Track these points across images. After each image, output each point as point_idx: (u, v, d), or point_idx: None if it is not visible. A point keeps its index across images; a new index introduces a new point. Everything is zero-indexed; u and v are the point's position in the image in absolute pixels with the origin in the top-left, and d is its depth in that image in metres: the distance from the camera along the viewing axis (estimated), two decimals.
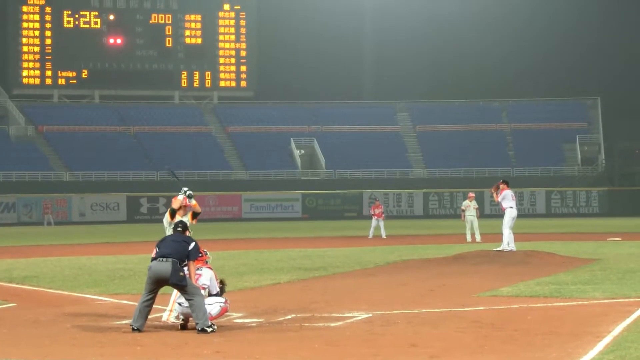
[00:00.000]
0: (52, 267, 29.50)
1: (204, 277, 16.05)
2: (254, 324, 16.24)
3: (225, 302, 15.94)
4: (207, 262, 16.38)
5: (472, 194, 43.11)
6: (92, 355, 12.96)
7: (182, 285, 15.36)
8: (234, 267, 27.99)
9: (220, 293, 16.24)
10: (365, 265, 28.97)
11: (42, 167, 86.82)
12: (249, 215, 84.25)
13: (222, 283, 16.43)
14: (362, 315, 17.09)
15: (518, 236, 32.93)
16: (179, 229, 16.15)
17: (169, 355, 13.01)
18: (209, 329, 15.16)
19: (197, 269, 16.07)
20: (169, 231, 16.72)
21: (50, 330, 15.83)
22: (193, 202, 17.35)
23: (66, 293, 21.72)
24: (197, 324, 15.28)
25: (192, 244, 15.67)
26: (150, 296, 15.50)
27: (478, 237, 40.92)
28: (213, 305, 15.73)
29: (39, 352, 13.33)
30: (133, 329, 15.24)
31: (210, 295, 15.95)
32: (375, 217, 47.32)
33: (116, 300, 20.04)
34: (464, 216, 41.99)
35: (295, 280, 24.12)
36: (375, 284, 23.27)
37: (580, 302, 18.59)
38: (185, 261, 15.56)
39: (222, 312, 15.87)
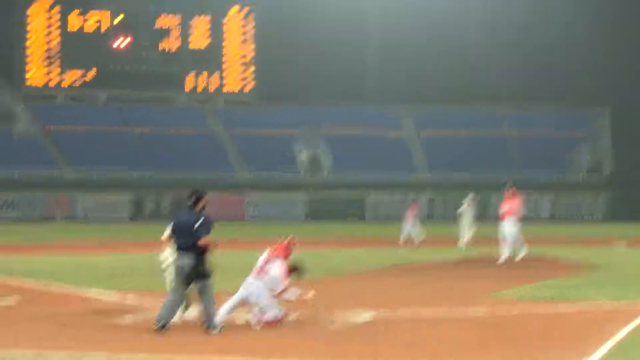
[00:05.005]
0: (54, 263, 29.45)
1: (271, 273, 15.91)
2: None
3: (284, 315, 15.78)
4: (288, 256, 16.17)
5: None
6: (93, 351, 12.90)
7: (204, 276, 15.31)
8: (236, 267, 27.86)
9: (301, 275, 16.07)
10: (368, 267, 28.89)
11: (47, 166, 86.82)
12: (251, 216, 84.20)
13: (295, 268, 16.24)
14: (365, 315, 17.02)
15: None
16: (190, 201, 15.73)
17: (171, 352, 12.96)
18: (214, 330, 15.10)
19: (271, 261, 15.94)
20: (165, 263, 16.45)
21: (50, 326, 15.78)
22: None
23: (69, 289, 21.67)
24: (204, 322, 15.25)
25: (198, 223, 15.39)
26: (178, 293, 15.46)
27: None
28: (272, 311, 15.67)
29: (40, 346, 13.27)
30: (158, 323, 15.09)
31: (278, 292, 15.85)
32: (408, 220, 44.66)
33: (119, 297, 19.98)
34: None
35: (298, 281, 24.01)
36: (378, 286, 23.20)
37: (584, 306, 18.50)
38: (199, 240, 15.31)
39: (273, 323, 15.73)
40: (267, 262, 15.99)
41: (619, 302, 18.92)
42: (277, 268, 15.95)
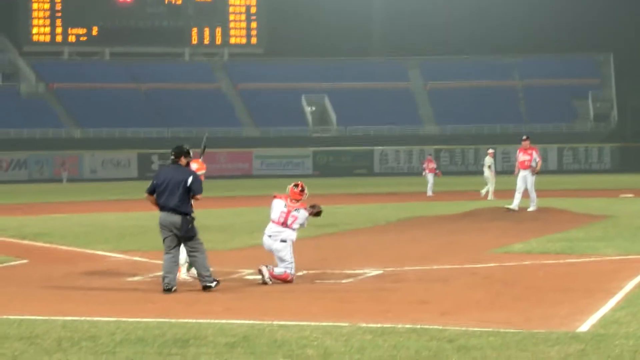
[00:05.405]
0: (64, 224, 29.56)
1: (299, 220, 16.02)
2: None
3: (292, 275, 15.84)
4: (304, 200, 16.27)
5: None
6: (104, 312, 12.97)
7: (190, 237, 15.24)
8: (244, 224, 28.00)
9: (318, 214, 16.33)
10: (376, 222, 28.96)
11: (53, 124, 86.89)
12: (259, 172, 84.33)
13: (313, 208, 16.33)
14: (373, 272, 17.08)
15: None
16: (173, 157, 15.38)
17: (180, 312, 13.02)
18: (213, 284, 15.05)
19: (296, 210, 15.99)
20: None
21: (61, 287, 15.85)
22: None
23: (78, 250, 21.75)
24: (200, 281, 15.19)
25: (191, 178, 15.12)
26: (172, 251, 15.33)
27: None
28: (284, 266, 15.75)
29: (50, 309, 13.35)
30: (165, 286, 15.02)
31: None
32: (429, 172, 46.48)
33: (128, 257, 20.06)
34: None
35: (306, 237, 24.07)
36: (386, 241, 23.27)
37: (592, 259, 18.55)
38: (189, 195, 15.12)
39: (284, 277, 15.77)
40: (289, 213, 15.97)
41: (627, 255, 18.97)
42: (303, 214, 16.02)
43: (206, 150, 17.16)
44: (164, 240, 15.29)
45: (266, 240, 16.02)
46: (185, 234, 15.12)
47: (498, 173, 43.66)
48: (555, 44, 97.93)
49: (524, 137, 31.72)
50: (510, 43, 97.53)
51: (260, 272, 15.80)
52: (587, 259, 18.51)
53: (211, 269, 15.36)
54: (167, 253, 15.22)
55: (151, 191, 15.34)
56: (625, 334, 10.96)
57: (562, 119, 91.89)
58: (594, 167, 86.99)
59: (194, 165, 16.29)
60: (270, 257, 16.60)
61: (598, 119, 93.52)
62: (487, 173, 41.27)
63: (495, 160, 43.25)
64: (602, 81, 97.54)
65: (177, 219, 15.05)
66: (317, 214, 16.45)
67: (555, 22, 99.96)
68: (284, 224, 15.92)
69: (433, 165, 47.17)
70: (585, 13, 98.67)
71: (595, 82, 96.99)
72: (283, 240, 15.86)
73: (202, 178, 16.28)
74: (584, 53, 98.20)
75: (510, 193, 32.16)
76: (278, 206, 16.06)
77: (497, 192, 40.11)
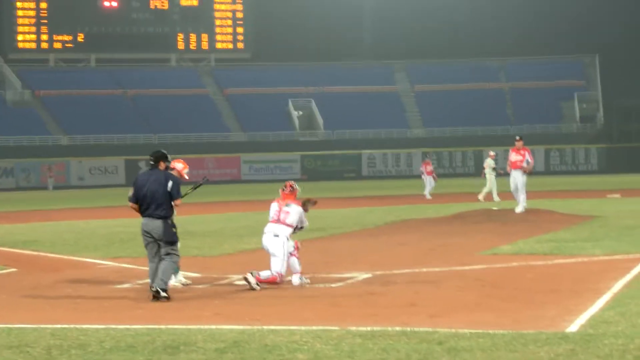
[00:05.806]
0: (52, 231, 29.49)
1: (292, 215, 16.10)
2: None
3: (280, 275, 15.87)
4: (296, 197, 16.38)
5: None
6: (94, 319, 12.96)
7: (171, 242, 15.13)
8: (233, 230, 28.00)
9: (313, 204, 16.53)
10: (364, 225, 28.98)
11: (39, 132, 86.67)
12: (247, 177, 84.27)
13: (305, 205, 16.41)
14: (362, 276, 17.10)
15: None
16: (152, 162, 15.29)
17: (170, 318, 13.01)
18: (164, 293, 14.74)
19: (286, 205, 16.07)
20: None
21: (50, 295, 15.82)
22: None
23: (66, 257, 21.70)
24: (156, 284, 14.79)
25: (170, 183, 15.04)
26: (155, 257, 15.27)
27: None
28: (274, 268, 15.81)
29: (40, 317, 13.33)
30: (153, 292, 14.93)
31: (296, 228, 16.15)
32: (427, 174, 46.00)
33: (116, 264, 20.03)
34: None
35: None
36: (375, 245, 23.27)
37: (579, 259, 18.60)
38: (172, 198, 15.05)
39: (271, 280, 15.80)
40: (281, 210, 16.13)
41: (614, 255, 19.03)
42: (295, 208, 16.11)
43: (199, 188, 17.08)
44: (145, 247, 15.28)
45: (263, 238, 16.24)
46: (168, 238, 15.08)
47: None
48: (541, 46, 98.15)
49: (517, 138, 31.59)
50: (496, 46, 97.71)
51: (246, 279, 15.81)
52: (575, 260, 18.55)
53: (177, 283, 15.55)
54: (151, 261, 15.19)
55: (135, 200, 15.28)
56: (614, 334, 11.00)
57: (549, 121, 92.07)
58: (580, 168, 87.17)
59: (178, 165, 16.34)
60: (258, 260, 16.60)
61: (584, 120, 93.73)
62: (490, 175, 41.24)
63: (497, 162, 43.25)
64: (587, 83, 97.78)
65: (159, 223, 15.03)
66: (313, 204, 16.64)
67: (540, 24, 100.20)
68: (278, 221, 16.11)
69: (430, 167, 46.65)
70: (570, 15, 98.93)
71: (581, 83, 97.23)
72: (276, 235, 16.01)
73: (187, 177, 16.28)
74: (570, 55, 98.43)
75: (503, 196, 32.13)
76: (273, 207, 16.40)
77: (490, 195, 40.18)
